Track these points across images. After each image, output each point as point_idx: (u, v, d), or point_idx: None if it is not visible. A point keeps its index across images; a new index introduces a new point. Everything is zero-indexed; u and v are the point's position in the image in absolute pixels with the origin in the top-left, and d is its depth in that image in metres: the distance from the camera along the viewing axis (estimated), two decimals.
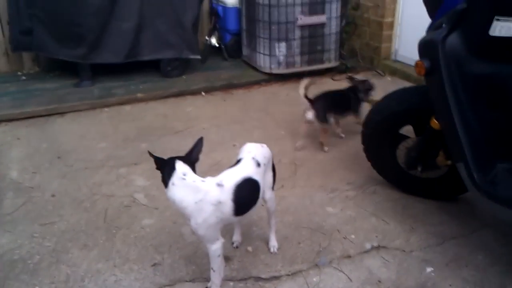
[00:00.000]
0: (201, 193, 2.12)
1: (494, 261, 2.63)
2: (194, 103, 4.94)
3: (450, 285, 2.46)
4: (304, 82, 3.80)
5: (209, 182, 2.18)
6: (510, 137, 2.57)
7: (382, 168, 3.30)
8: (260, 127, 4.36)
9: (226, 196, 2.18)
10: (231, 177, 2.25)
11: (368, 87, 4.08)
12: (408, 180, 3.22)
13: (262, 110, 4.76)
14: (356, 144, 3.63)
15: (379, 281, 2.51)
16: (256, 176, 2.32)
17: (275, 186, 2.65)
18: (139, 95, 4.97)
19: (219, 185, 2.18)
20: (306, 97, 3.78)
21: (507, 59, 2.48)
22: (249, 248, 2.75)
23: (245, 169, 2.32)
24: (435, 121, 2.77)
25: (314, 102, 3.76)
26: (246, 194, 2.27)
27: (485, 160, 2.51)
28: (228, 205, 2.18)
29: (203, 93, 5.17)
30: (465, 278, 2.50)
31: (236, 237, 2.77)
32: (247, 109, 4.77)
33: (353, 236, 2.85)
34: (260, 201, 2.40)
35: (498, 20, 2.31)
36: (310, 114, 3.76)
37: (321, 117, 3.76)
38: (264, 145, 2.52)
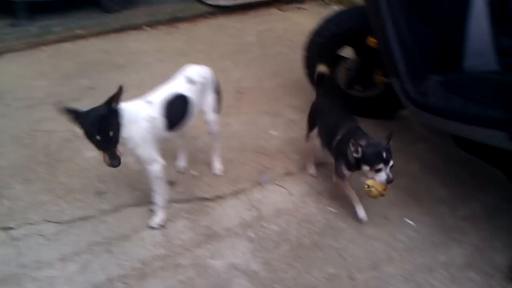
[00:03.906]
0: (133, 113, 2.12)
1: (427, 170, 2.78)
2: (137, 38, 4.79)
3: None
4: None
5: (138, 102, 2.18)
6: (441, 50, 2.65)
7: None
8: (205, 59, 4.28)
9: (156, 111, 2.19)
10: (159, 94, 2.26)
11: None
12: (348, 100, 3.29)
13: (208, 43, 4.67)
14: (300, 71, 3.66)
15: (319, 193, 2.63)
16: (188, 93, 2.33)
17: (221, 113, 2.67)
18: (79, 31, 4.76)
19: (148, 102, 2.20)
20: None
21: None
22: (194, 172, 2.79)
23: (174, 86, 2.33)
24: (371, 39, 2.81)
25: None
26: (176, 109, 2.28)
27: (417, 73, 2.58)
28: (160, 120, 2.19)
29: (146, 28, 5.01)
30: (400, 187, 2.65)
31: (181, 163, 2.80)
32: (192, 43, 4.68)
33: (294, 155, 2.93)
34: (193, 117, 2.41)
35: None
36: None
37: None
38: (205, 67, 2.50)
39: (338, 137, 2.41)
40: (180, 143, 2.78)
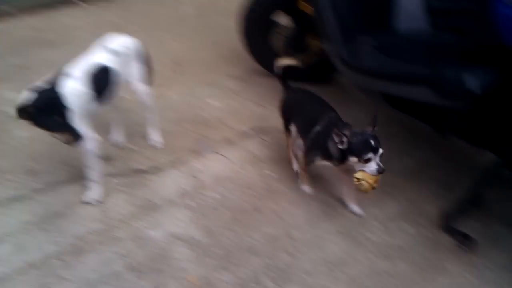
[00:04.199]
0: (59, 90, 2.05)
1: None
2: (70, 14, 4.58)
3: None
4: None
5: (61, 77, 2.11)
6: (372, 11, 2.69)
7: (261, 58, 3.35)
8: (143, 32, 4.06)
9: (81, 84, 2.13)
10: (81, 67, 2.19)
11: None
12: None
13: (145, 15, 4.54)
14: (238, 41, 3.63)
15: (260, 160, 2.64)
16: (110, 63, 2.27)
17: (156, 84, 2.63)
18: (5, 8, 4.49)
19: (72, 76, 2.13)
20: None
21: None
22: (132, 146, 2.73)
23: (95, 57, 2.26)
24: (303, 3, 2.81)
25: None
26: (100, 81, 2.22)
27: (349, 35, 2.61)
28: (86, 93, 2.13)
29: (80, 3, 4.79)
30: None
31: (117, 137, 2.73)
32: (129, 16, 4.52)
33: (234, 124, 2.92)
34: (118, 88, 2.38)
35: None
36: None
37: None
38: (127, 36, 2.44)
39: (317, 128, 2.25)
40: (114, 117, 2.71)
